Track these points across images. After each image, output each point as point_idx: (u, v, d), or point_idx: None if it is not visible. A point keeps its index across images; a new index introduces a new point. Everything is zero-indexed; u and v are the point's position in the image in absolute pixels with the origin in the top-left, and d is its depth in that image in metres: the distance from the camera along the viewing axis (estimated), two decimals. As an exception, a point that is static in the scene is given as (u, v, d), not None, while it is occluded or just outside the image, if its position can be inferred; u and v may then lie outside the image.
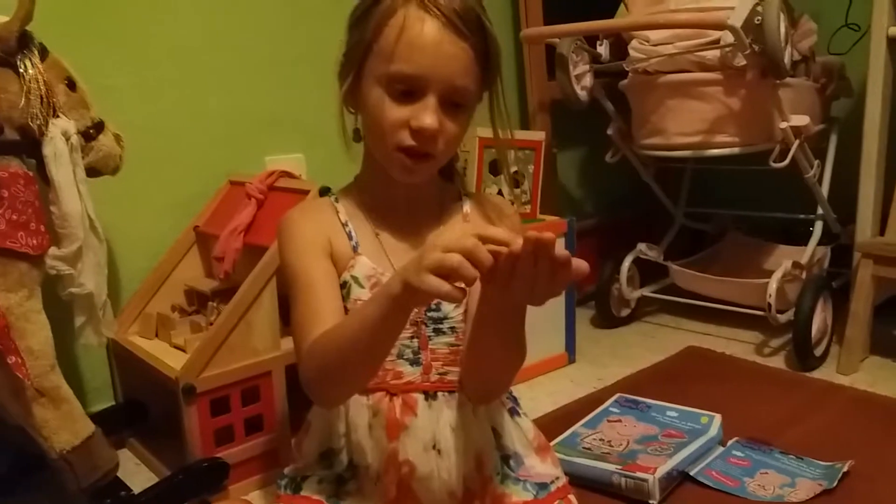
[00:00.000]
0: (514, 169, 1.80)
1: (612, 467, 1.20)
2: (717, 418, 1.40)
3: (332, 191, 1.04)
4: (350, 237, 0.93)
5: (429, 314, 0.92)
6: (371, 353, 0.78)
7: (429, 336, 0.92)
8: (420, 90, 0.82)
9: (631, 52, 1.84)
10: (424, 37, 0.81)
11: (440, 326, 0.92)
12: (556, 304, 1.82)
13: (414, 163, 0.86)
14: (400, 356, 0.91)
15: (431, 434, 0.90)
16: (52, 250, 1.12)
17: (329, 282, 0.89)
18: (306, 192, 1.36)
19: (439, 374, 0.92)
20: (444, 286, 0.65)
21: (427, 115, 0.82)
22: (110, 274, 1.31)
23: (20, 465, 1.28)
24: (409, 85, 0.82)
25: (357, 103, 0.90)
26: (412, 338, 0.91)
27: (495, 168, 1.86)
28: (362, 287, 0.90)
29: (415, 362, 0.91)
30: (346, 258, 0.92)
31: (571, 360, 1.86)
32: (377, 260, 0.91)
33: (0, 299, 1.04)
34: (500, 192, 1.80)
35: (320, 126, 1.72)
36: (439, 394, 0.91)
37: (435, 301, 0.90)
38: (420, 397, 0.91)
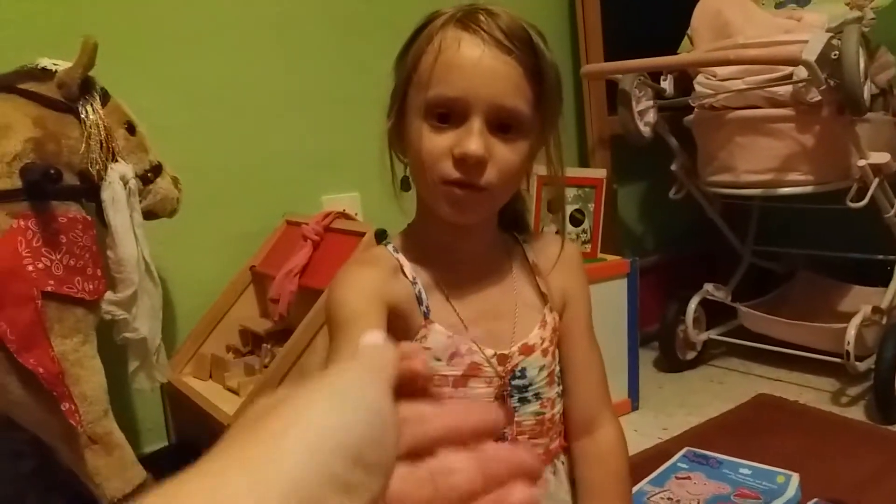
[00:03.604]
0: (574, 207, 1.75)
1: (682, 532, 1.13)
2: (795, 477, 1.31)
3: (388, 238, 0.96)
4: (420, 300, 0.80)
5: (513, 383, 0.81)
6: None
7: (514, 407, 0.81)
8: (462, 115, 0.72)
9: (697, 87, 1.78)
10: (462, 55, 0.72)
11: (525, 395, 0.82)
12: (618, 346, 1.75)
13: (464, 193, 0.74)
14: None
15: None
16: (108, 295, 1.12)
17: (375, 322, 0.74)
18: (362, 235, 1.34)
19: None
20: None
21: (471, 140, 0.71)
22: (165, 314, 1.30)
23: (73, 510, 1.27)
24: (450, 110, 0.73)
25: (403, 145, 0.80)
26: None
27: (553, 206, 1.81)
28: (439, 360, 0.79)
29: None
30: (416, 324, 0.79)
31: (635, 408, 1.79)
32: (451, 327, 0.80)
33: (55, 345, 1.04)
34: (557, 232, 1.75)
35: (376, 165, 1.70)
36: None
37: (520, 367, 0.81)
38: None
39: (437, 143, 0.74)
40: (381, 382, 0.28)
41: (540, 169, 0.86)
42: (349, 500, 0.24)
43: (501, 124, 0.74)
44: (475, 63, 0.72)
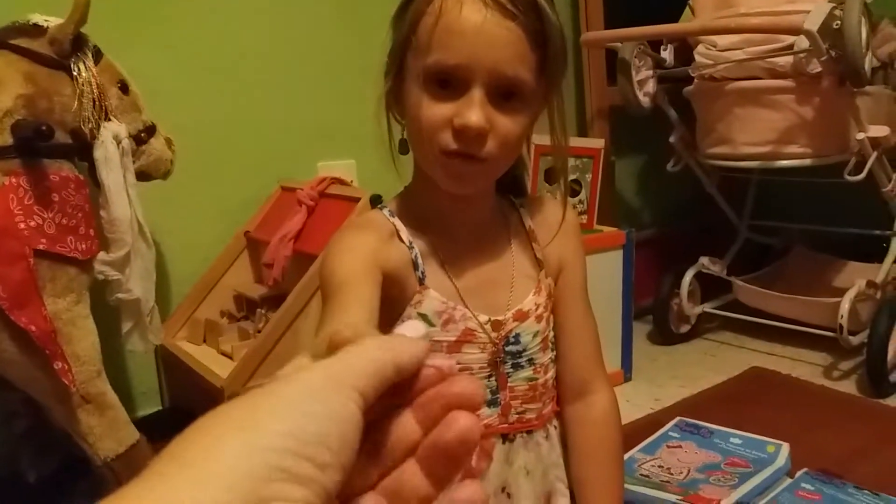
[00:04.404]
0: (571, 177, 1.74)
1: (672, 498, 1.14)
2: (785, 447, 1.32)
3: (384, 202, 0.94)
4: (416, 265, 0.79)
5: (507, 349, 0.81)
6: None
7: (507, 373, 0.81)
8: (463, 83, 0.70)
9: (697, 57, 1.76)
10: (463, 20, 0.68)
11: (519, 361, 0.82)
12: (612, 318, 1.75)
13: (463, 164, 0.72)
14: None
15: (504, 478, 0.81)
16: (101, 255, 1.12)
17: (369, 285, 0.71)
18: (357, 200, 1.33)
19: (518, 413, 0.82)
20: None
21: (472, 111, 0.69)
22: (160, 278, 1.30)
23: (66, 470, 1.27)
24: (450, 78, 0.70)
25: (401, 108, 0.78)
26: (490, 377, 0.80)
27: (550, 177, 1.80)
28: (433, 325, 0.77)
29: (492, 403, 0.81)
30: (411, 290, 0.78)
31: (627, 379, 1.80)
32: (446, 293, 0.79)
33: (48, 304, 1.03)
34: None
35: (371, 132, 1.69)
36: (517, 436, 0.83)
37: (514, 333, 0.81)
38: (497, 441, 0.82)
39: (436, 112, 0.71)
40: (344, 390, 0.28)
41: (538, 138, 0.85)
42: (300, 489, 0.25)
43: (503, 94, 0.71)
44: (477, 29, 0.69)
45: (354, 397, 0.28)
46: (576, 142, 1.84)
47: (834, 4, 1.50)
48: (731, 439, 1.37)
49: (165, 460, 0.25)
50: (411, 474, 0.30)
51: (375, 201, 1.28)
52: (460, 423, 0.30)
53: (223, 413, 0.26)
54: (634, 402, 1.65)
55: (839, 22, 1.47)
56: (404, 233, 0.80)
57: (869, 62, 1.55)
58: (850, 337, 1.70)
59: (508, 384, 0.81)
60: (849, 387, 1.72)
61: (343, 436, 0.27)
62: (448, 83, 0.71)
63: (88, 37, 1.12)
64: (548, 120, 0.80)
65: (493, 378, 0.81)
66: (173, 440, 0.25)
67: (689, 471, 1.27)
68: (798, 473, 1.27)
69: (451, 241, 0.82)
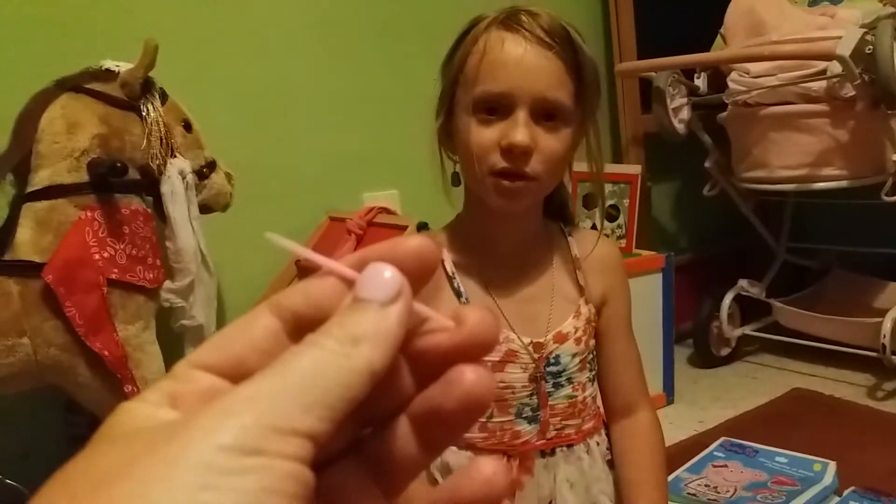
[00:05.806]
0: (609, 203, 1.78)
1: (720, 515, 1.15)
2: (832, 465, 1.32)
3: (430, 228, 0.99)
4: (459, 293, 0.85)
5: (548, 369, 0.85)
6: None
7: (549, 392, 0.86)
8: (508, 108, 0.77)
9: (730, 84, 1.80)
10: (506, 53, 0.77)
11: (559, 380, 0.86)
12: (653, 341, 1.77)
13: (511, 182, 0.78)
14: (518, 415, 0.85)
15: (548, 491, 0.85)
16: (167, 284, 1.18)
17: None
18: (404, 228, 1.38)
19: (556, 429, 0.87)
20: None
21: (517, 130, 0.76)
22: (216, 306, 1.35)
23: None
24: (496, 105, 0.78)
25: (452, 143, 0.85)
26: (531, 395, 0.85)
27: (588, 202, 1.84)
28: None
29: (533, 420, 0.85)
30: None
31: (670, 401, 1.81)
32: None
33: (119, 330, 1.09)
34: (593, 227, 1.78)
35: (413, 162, 1.75)
36: (557, 450, 0.86)
37: (554, 354, 0.85)
38: (537, 455, 0.86)
39: (485, 135, 0.78)
40: (273, 442, 0.18)
41: (576, 165, 0.90)
42: None
43: (545, 114, 0.78)
44: (519, 60, 0.77)
45: (293, 448, 0.19)
46: (613, 168, 1.88)
47: (865, 30, 1.53)
48: (777, 458, 1.38)
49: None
50: (402, 438, 0.23)
51: (422, 228, 1.33)
52: (465, 381, 0.23)
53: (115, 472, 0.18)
54: (678, 425, 1.66)
55: (871, 47, 1.49)
56: (448, 263, 0.86)
57: (902, 85, 1.57)
58: (894, 357, 1.70)
59: (549, 402, 0.86)
60: (893, 407, 1.71)
61: None
62: (495, 110, 0.78)
63: (155, 80, 1.19)
64: (585, 147, 0.86)
65: (535, 396, 0.85)
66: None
67: (735, 489, 1.29)
68: (846, 492, 1.28)
69: (496, 263, 0.87)
